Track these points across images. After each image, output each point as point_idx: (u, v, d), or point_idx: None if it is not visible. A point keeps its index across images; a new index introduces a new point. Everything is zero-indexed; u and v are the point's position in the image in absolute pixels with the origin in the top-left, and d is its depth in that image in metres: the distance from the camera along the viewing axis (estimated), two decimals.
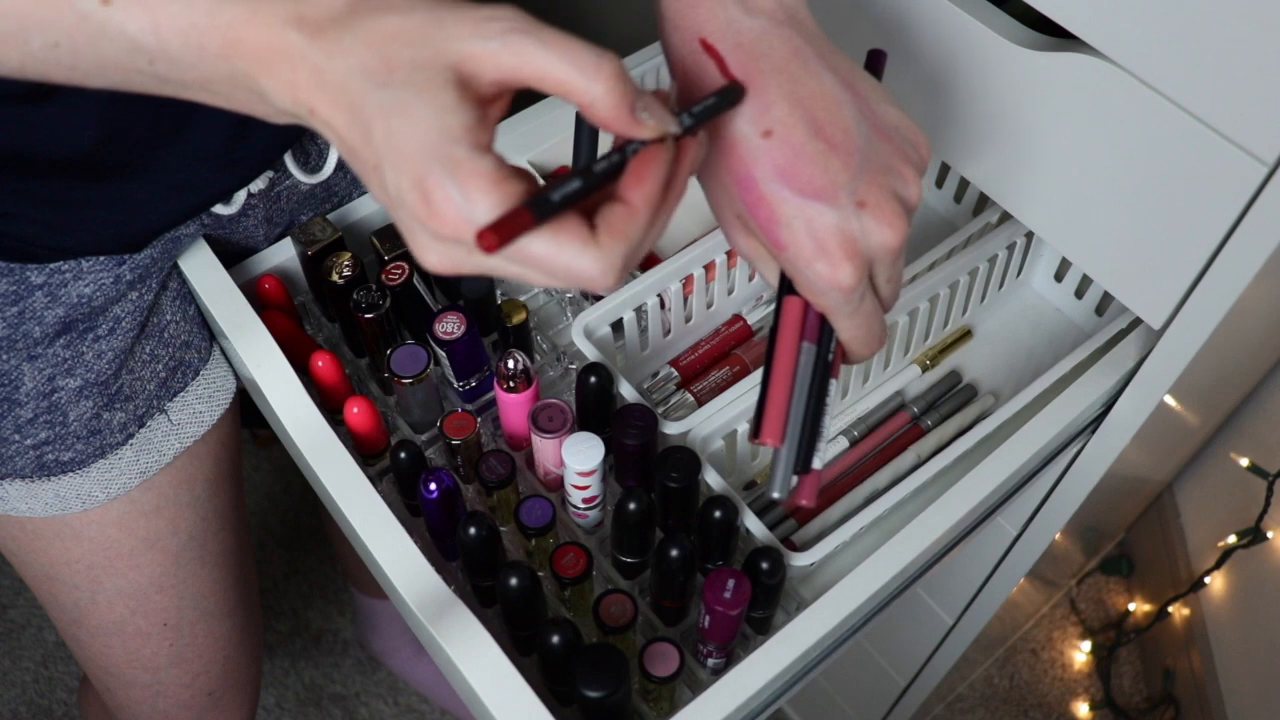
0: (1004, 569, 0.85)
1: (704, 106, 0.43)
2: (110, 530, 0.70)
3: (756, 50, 0.45)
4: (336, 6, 0.37)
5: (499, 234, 0.35)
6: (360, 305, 0.65)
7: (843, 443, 0.70)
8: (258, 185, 0.65)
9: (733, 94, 0.45)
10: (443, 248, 0.38)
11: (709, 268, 0.70)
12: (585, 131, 0.70)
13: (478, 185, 0.36)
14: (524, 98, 0.80)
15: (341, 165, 0.71)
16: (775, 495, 0.49)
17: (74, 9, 0.37)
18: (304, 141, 0.68)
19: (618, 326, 0.68)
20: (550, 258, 0.38)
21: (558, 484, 0.64)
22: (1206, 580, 1.27)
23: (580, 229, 0.38)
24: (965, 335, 0.75)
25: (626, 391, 0.62)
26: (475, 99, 0.37)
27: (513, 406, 0.62)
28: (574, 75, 0.37)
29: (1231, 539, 1.21)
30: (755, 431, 0.49)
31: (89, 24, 0.37)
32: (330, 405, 0.66)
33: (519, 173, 0.37)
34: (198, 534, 0.75)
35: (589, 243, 0.38)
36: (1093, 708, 1.42)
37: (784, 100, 0.45)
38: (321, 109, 0.37)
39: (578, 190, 0.38)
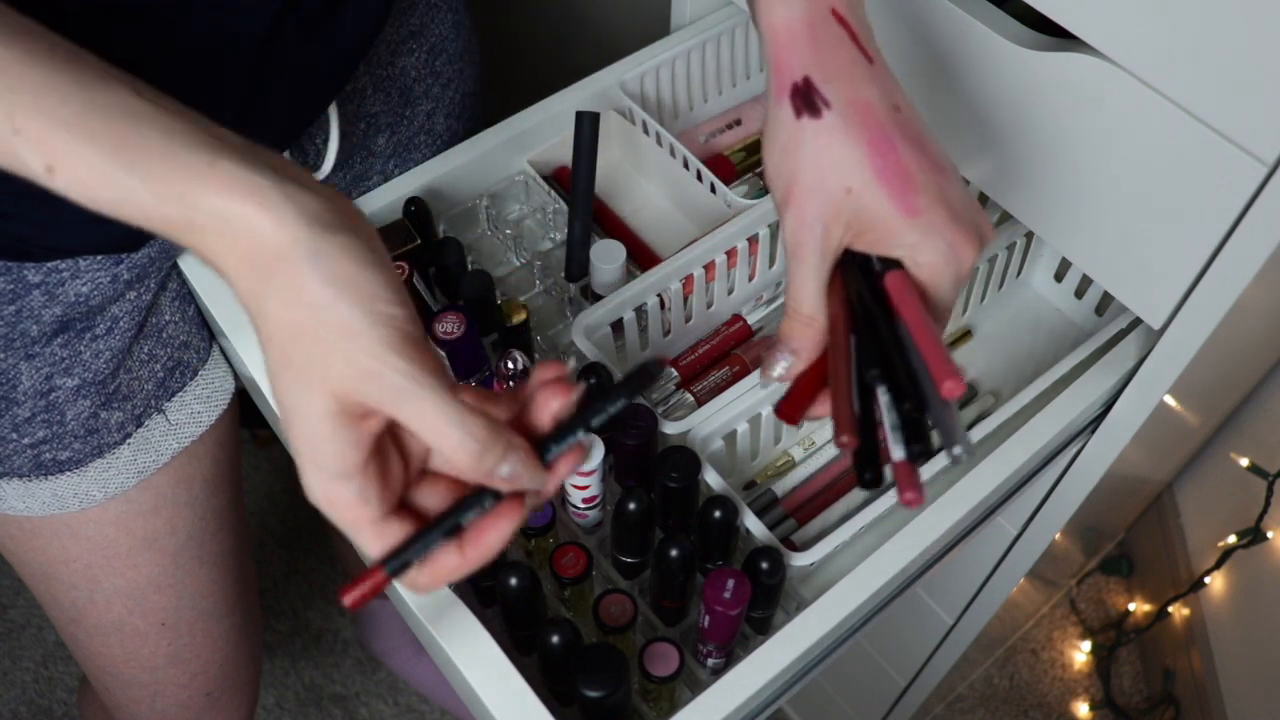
0: (1004, 569, 0.85)
1: (603, 416, 0.43)
2: (108, 529, 0.70)
3: (873, 33, 0.48)
4: (259, 257, 0.37)
5: (359, 597, 0.41)
6: None
7: None
8: None
9: (631, 388, 0.43)
10: None
11: (709, 268, 0.70)
12: (585, 132, 0.70)
13: (334, 507, 0.40)
14: (523, 97, 0.80)
15: (340, 165, 0.71)
16: (960, 451, 0.41)
17: (21, 162, 0.37)
18: (302, 140, 0.68)
19: (618, 326, 0.68)
20: (373, 555, 0.41)
21: None
22: (1206, 580, 1.27)
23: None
24: (965, 335, 0.75)
25: None
26: (352, 419, 0.38)
27: None
28: (436, 444, 0.39)
29: (1231, 539, 1.21)
30: (920, 395, 0.43)
31: (32, 175, 0.38)
32: None
33: (383, 473, 0.40)
34: (196, 534, 0.75)
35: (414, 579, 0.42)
36: (1093, 708, 1.42)
37: (900, 85, 0.47)
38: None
39: (432, 545, 0.41)
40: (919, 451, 0.43)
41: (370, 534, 0.41)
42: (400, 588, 0.41)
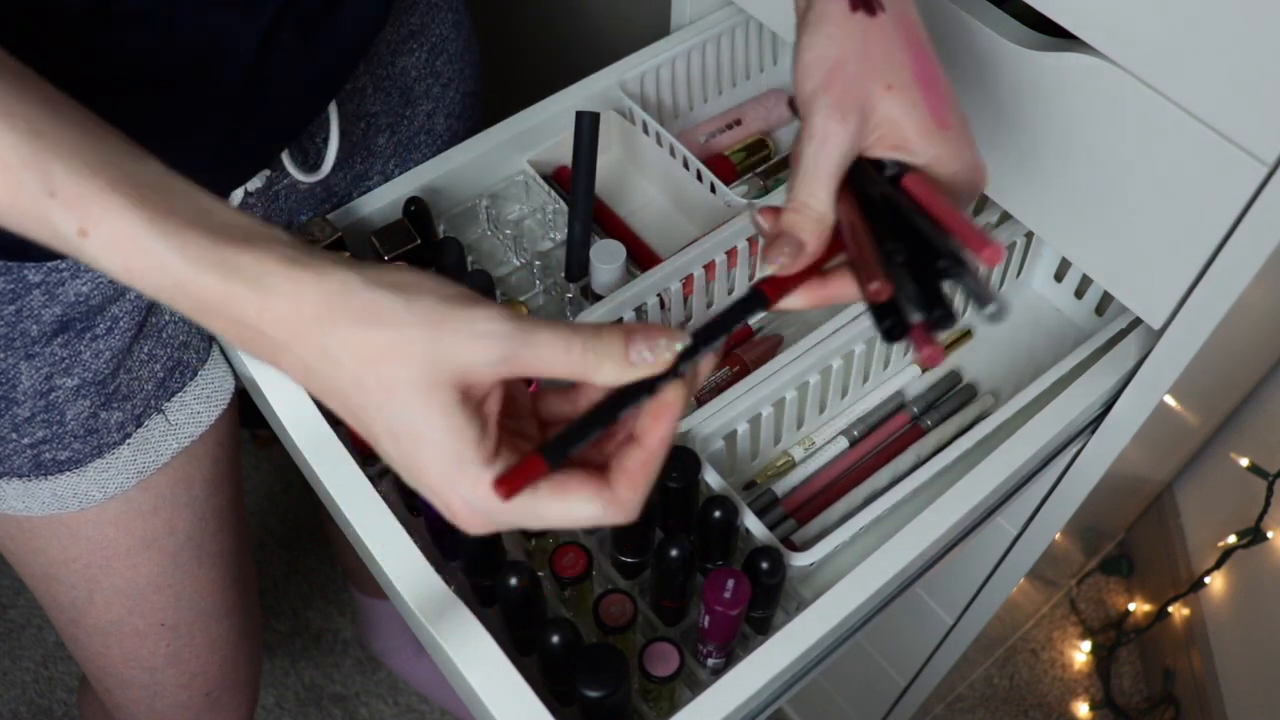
0: (1004, 569, 0.85)
1: (712, 325, 0.43)
2: (107, 530, 0.70)
3: None
4: (310, 308, 0.37)
5: (512, 483, 0.39)
6: None
7: (843, 443, 0.70)
8: (254, 184, 0.65)
9: (750, 305, 0.45)
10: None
11: (709, 268, 0.70)
12: (585, 132, 0.70)
13: (490, 494, 0.39)
14: (523, 97, 0.80)
15: (340, 165, 0.71)
16: (995, 309, 0.41)
17: (49, 225, 0.37)
18: (302, 140, 0.68)
19: None
20: (564, 519, 0.40)
21: None
22: (1206, 580, 1.27)
23: (586, 485, 0.40)
24: (965, 335, 0.75)
25: None
26: (476, 403, 0.39)
27: None
28: (570, 371, 0.39)
29: (1231, 539, 1.21)
30: (956, 256, 0.43)
31: (59, 240, 0.38)
32: None
33: (519, 444, 0.40)
34: (195, 534, 0.75)
35: (598, 496, 0.40)
36: (1093, 708, 1.42)
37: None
38: (306, 387, 0.39)
39: (590, 434, 0.40)
40: (940, 315, 0.43)
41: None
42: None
